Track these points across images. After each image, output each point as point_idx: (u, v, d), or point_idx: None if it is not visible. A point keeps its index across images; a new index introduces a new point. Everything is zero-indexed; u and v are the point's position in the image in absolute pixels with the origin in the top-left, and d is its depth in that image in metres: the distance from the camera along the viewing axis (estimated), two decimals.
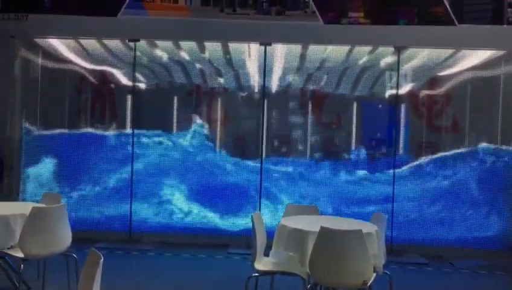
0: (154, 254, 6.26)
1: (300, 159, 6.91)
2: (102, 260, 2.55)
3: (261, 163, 6.78)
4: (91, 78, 7.02)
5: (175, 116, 7.06)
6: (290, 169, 6.85)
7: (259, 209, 6.52)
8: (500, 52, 6.71)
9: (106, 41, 6.94)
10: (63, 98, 7.11)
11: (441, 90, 6.84)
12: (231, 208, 6.79)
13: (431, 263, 6.20)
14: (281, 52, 6.94)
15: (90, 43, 6.95)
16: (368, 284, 3.63)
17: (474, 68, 6.75)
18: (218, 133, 7.08)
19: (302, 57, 6.97)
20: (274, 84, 7.00)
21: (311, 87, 6.99)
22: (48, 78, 6.99)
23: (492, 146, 6.70)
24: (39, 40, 6.91)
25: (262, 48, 6.77)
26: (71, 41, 6.94)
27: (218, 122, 7.08)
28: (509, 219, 6.63)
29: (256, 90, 6.99)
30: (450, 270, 6.03)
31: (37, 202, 4.97)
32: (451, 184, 6.71)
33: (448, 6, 7.23)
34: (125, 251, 6.32)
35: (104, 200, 6.83)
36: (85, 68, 6.98)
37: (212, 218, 6.81)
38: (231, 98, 7.07)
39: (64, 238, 4.23)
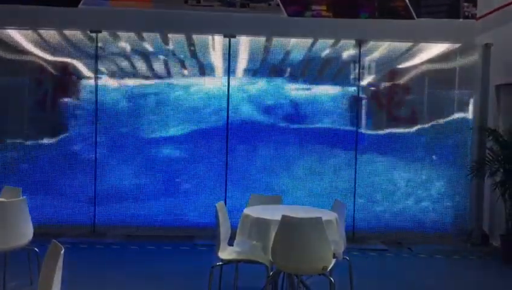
0: (119, 247, 6.23)
1: (265, 149, 6.98)
2: (63, 251, 2.54)
3: (227, 153, 6.84)
4: (52, 70, 6.87)
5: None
6: (256, 159, 6.93)
7: (225, 199, 6.58)
8: (456, 45, 6.98)
9: (67, 32, 6.80)
10: (23, 90, 6.93)
11: (400, 81, 7.06)
12: (198, 199, 6.83)
13: (391, 249, 6.44)
14: (245, 44, 6.98)
15: (51, 34, 6.79)
16: (328, 270, 3.75)
17: (431, 61, 6.99)
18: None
19: (266, 49, 7.03)
20: (238, 76, 7.03)
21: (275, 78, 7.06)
22: (6, 69, 6.79)
23: (447, 134, 6.98)
24: None
25: (227, 39, 6.79)
26: (30, 32, 6.76)
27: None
28: (464, 204, 6.94)
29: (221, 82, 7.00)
30: (408, 255, 6.27)
31: None
32: (410, 173, 6.96)
33: (407, 1, 7.45)
34: (89, 244, 6.27)
35: (68, 194, 6.74)
36: (45, 60, 6.82)
37: (178, 209, 6.83)
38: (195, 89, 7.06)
39: (25, 232, 4.18)
